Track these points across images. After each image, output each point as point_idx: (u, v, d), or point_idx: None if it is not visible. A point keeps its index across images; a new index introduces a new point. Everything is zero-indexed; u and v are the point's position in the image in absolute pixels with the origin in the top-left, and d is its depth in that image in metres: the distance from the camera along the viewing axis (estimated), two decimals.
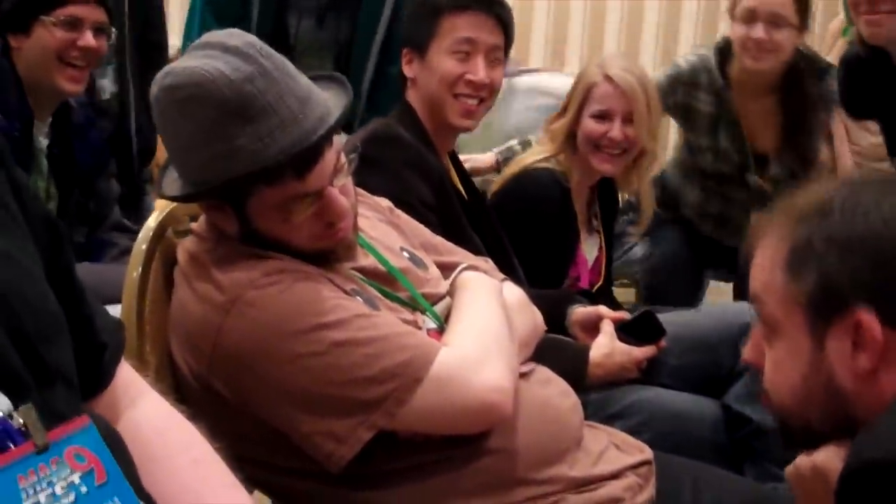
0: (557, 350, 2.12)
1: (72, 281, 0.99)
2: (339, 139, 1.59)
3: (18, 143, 2.24)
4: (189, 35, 3.09)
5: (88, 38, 2.32)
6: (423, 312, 1.68)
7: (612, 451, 1.71)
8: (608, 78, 2.60)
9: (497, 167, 3.22)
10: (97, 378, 0.99)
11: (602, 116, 2.60)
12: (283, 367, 1.48)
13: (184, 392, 1.58)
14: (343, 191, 1.57)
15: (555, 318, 2.28)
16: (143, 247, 1.65)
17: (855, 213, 1.13)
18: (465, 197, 2.41)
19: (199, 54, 1.49)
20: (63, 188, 2.42)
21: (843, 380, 1.12)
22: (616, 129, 2.59)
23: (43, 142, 2.37)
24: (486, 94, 2.30)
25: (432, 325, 1.67)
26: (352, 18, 3.12)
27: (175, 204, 1.68)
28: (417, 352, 1.51)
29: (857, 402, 1.13)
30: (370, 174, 2.14)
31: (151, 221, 1.69)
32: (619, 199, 2.99)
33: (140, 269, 1.63)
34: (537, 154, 2.70)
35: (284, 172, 1.49)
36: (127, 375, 1.05)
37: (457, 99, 2.28)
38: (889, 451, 0.95)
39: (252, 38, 1.51)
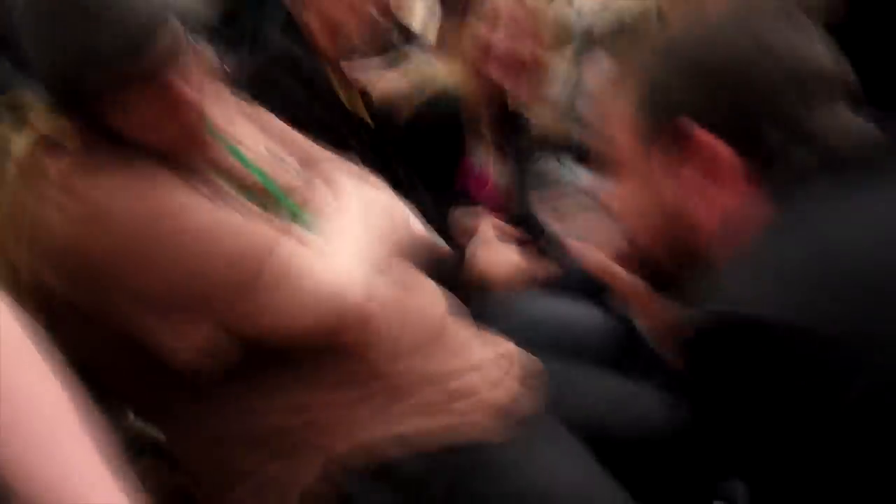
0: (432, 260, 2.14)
1: None
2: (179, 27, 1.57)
3: None
4: None
5: None
6: (283, 210, 1.69)
7: (472, 343, 1.74)
8: None
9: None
10: None
11: (491, 24, 2.60)
12: (138, 273, 1.49)
13: (42, 307, 1.57)
14: (197, 88, 1.57)
15: (440, 218, 2.29)
16: (14, 150, 1.63)
17: (688, 24, 1.13)
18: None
19: None
20: None
21: (679, 199, 1.11)
22: (517, 44, 2.59)
23: None
24: (388, 19, 2.34)
25: (290, 220, 1.68)
26: None
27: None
28: (273, 251, 1.52)
29: (691, 216, 1.11)
30: (262, 93, 2.14)
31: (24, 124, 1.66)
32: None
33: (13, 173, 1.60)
34: (437, 71, 2.71)
35: (133, 71, 1.48)
36: None
37: (359, 21, 2.30)
38: (734, 304, 0.96)
39: None
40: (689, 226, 1.13)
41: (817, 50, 1.11)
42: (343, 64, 2.40)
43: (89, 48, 1.47)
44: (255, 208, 1.66)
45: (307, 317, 1.55)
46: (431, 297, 1.75)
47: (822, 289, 0.94)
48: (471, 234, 2.34)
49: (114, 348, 1.56)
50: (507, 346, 1.78)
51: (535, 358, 1.84)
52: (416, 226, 1.89)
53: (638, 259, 1.27)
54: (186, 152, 1.61)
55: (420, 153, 2.55)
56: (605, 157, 1.22)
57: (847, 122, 1.09)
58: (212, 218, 1.52)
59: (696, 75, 1.09)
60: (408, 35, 3.61)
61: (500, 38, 2.60)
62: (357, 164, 1.92)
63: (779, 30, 1.10)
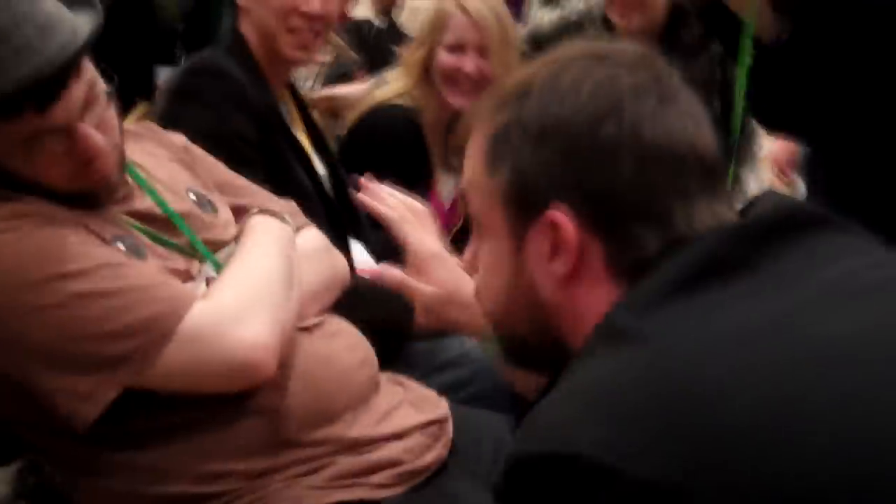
0: (380, 298, 2.02)
1: None
2: (93, 69, 1.46)
3: None
4: None
5: None
6: (201, 260, 1.57)
7: (403, 409, 1.62)
8: (462, 9, 2.49)
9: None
10: None
11: (455, 48, 2.49)
12: (20, 319, 1.37)
13: None
14: (101, 125, 1.45)
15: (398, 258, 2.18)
16: None
17: (552, 96, 0.99)
18: (303, 133, 2.30)
19: None
20: None
21: (543, 289, 1.00)
22: (469, 62, 2.48)
23: None
24: (321, 26, 2.16)
25: (212, 273, 1.57)
26: None
27: None
28: (168, 305, 1.40)
29: (558, 315, 1.01)
30: (185, 106, 2.04)
31: None
32: None
33: None
34: (391, 89, 2.59)
35: (22, 106, 1.36)
36: None
37: (290, 32, 2.14)
38: (545, 442, 0.85)
39: None
40: (548, 314, 1.03)
41: (689, 131, 0.99)
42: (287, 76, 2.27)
43: None
44: (166, 252, 1.54)
45: (216, 382, 1.44)
46: (360, 356, 1.62)
47: (646, 418, 0.81)
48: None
49: (14, 398, 1.44)
50: (440, 409, 1.66)
51: (476, 413, 1.73)
52: (364, 265, 1.78)
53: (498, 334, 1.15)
54: (93, 194, 1.49)
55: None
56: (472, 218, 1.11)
57: (719, 215, 0.98)
58: (117, 277, 1.40)
59: (566, 162, 0.98)
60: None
61: (468, 64, 2.47)
62: (292, 201, 1.80)
63: (649, 107, 0.98)
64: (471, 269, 1.17)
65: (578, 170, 0.97)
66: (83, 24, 1.43)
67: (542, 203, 0.98)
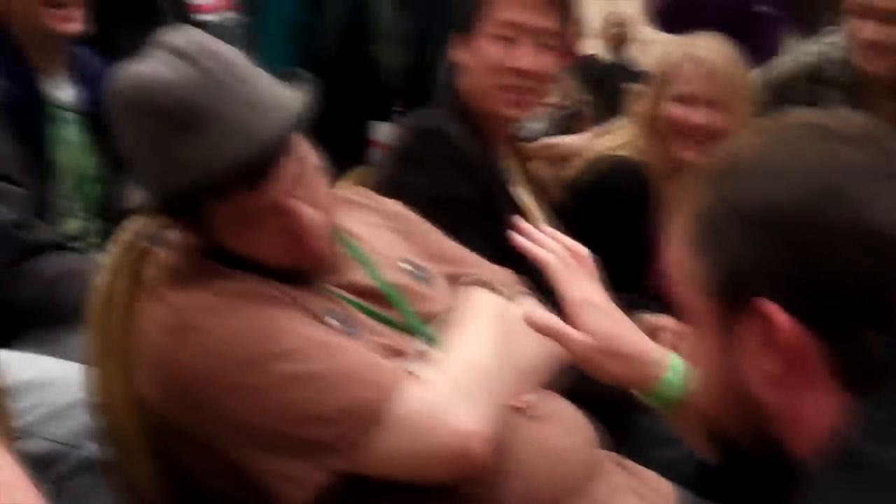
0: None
1: None
2: (303, 144, 1.43)
3: (23, 97, 2.16)
4: None
5: None
6: (415, 335, 1.51)
7: (625, 498, 1.51)
8: (692, 58, 2.36)
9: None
10: None
11: (684, 100, 2.37)
12: (231, 399, 1.34)
13: (146, 417, 1.47)
14: (313, 201, 1.42)
15: None
16: (114, 253, 1.53)
17: (763, 176, 0.88)
18: (527, 191, 2.23)
19: (149, 55, 1.38)
20: (99, 138, 2.32)
21: (755, 386, 0.90)
22: (699, 115, 2.36)
23: (65, 99, 2.28)
24: (537, 83, 2.09)
25: (425, 348, 1.50)
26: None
27: None
28: (379, 389, 1.35)
29: (775, 416, 0.91)
30: (409, 171, 2.01)
31: (128, 224, 1.57)
32: None
33: (108, 277, 1.51)
34: (616, 139, 2.49)
35: (234, 185, 1.35)
36: None
37: (504, 89, 2.08)
38: None
39: (201, 38, 1.38)
40: (763, 414, 0.93)
41: None
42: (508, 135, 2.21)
43: (203, 164, 1.34)
44: (379, 327, 1.49)
45: (427, 471, 1.37)
46: (578, 439, 1.52)
47: None
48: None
49: (215, 475, 1.42)
50: (666, 495, 1.54)
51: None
52: None
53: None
54: (306, 270, 1.45)
55: (598, 238, 2.34)
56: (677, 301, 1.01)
57: None
58: (328, 358, 1.35)
59: (781, 251, 0.87)
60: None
61: (698, 116, 2.35)
62: (511, 272, 1.72)
63: (876, 188, 0.86)
64: (686, 346, 1.07)
65: (794, 260, 0.86)
66: (294, 100, 1.41)
67: (753, 294, 0.88)
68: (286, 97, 1.41)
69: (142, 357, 1.44)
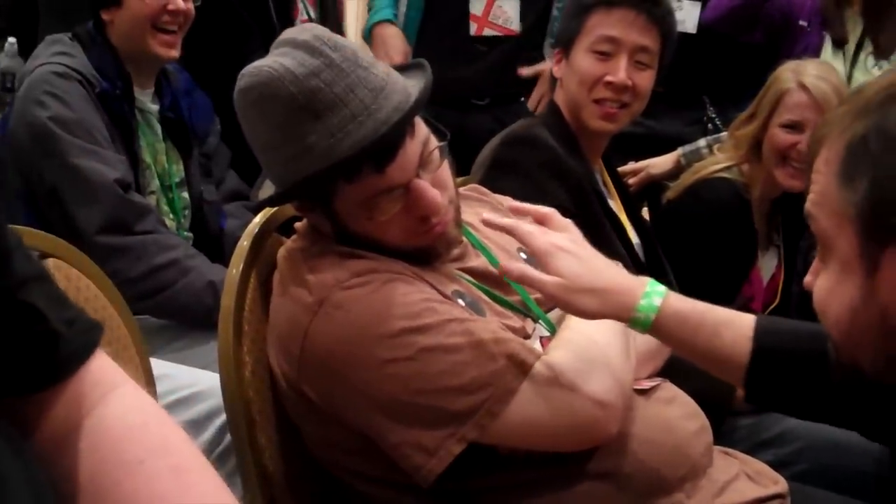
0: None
1: (3, 268, 0.86)
2: (426, 127, 1.49)
3: (120, 101, 2.27)
4: None
5: (178, 2, 2.32)
6: (535, 319, 1.56)
7: (741, 481, 1.54)
8: (802, 86, 2.39)
9: (678, 169, 2.99)
10: (48, 369, 0.89)
11: (793, 127, 2.40)
12: (369, 372, 1.39)
13: (279, 395, 1.53)
14: (436, 182, 1.47)
15: None
16: (245, 244, 1.60)
17: None
18: (618, 202, 2.28)
19: (273, 52, 1.45)
20: (183, 149, 2.44)
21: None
22: (807, 142, 2.38)
23: (152, 106, 2.39)
24: (629, 98, 2.13)
25: (545, 332, 1.55)
26: None
27: None
28: (513, 360, 1.39)
29: None
30: (503, 177, 2.05)
31: (257, 218, 1.64)
32: None
33: (241, 266, 1.58)
34: (718, 162, 2.52)
35: (362, 167, 1.41)
36: (99, 369, 0.93)
37: (597, 103, 2.13)
38: None
39: (322, 31, 1.45)
40: None
41: None
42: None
43: (333, 148, 1.40)
44: (502, 310, 1.54)
45: (557, 440, 1.42)
46: (697, 424, 1.56)
47: None
48: None
49: (360, 451, 1.47)
50: (779, 484, 1.57)
51: (811, 492, 1.64)
52: None
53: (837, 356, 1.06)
54: (431, 251, 1.51)
55: (693, 257, 2.38)
56: (817, 238, 1.03)
57: None
58: (463, 332, 1.40)
59: None
60: None
61: (804, 145, 2.37)
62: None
63: None
64: (811, 284, 1.08)
65: None
66: (413, 85, 1.47)
67: None
68: (406, 83, 1.47)
69: (277, 334, 1.49)
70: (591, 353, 1.43)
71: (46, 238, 1.54)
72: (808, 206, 1.03)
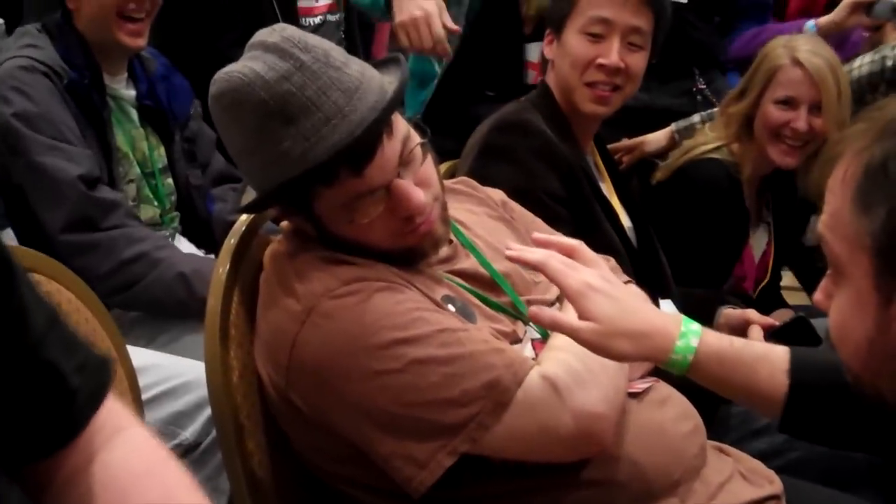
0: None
1: (24, 326, 0.85)
2: (405, 125, 1.46)
3: (88, 90, 2.22)
4: None
5: None
6: (525, 322, 1.53)
7: (735, 482, 1.53)
8: (796, 61, 2.35)
9: (672, 145, 2.79)
10: (66, 428, 0.88)
11: (786, 103, 2.36)
12: (358, 383, 1.37)
13: (267, 400, 1.50)
14: (419, 180, 1.44)
15: (701, 319, 2.09)
16: (232, 242, 1.57)
17: None
18: (609, 185, 2.24)
19: (244, 56, 1.41)
20: (164, 136, 2.40)
21: None
22: (801, 119, 2.35)
23: (125, 92, 2.34)
24: (622, 80, 2.08)
25: (536, 335, 1.53)
26: None
27: None
28: (505, 372, 1.37)
29: None
30: (494, 163, 2.02)
31: (244, 216, 1.60)
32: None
33: (227, 266, 1.54)
34: (708, 142, 2.48)
35: (339, 171, 1.38)
36: (107, 411, 0.93)
37: (589, 86, 2.09)
38: None
39: (292, 32, 1.41)
40: None
41: None
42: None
43: (308, 153, 1.37)
44: (493, 313, 1.51)
45: (551, 451, 1.40)
46: (690, 425, 1.54)
47: None
48: (738, 334, 2.11)
49: (351, 459, 1.44)
50: (774, 484, 1.56)
51: (804, 488, 1.62)
52: None
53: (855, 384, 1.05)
54: (418, 251, 1.48)
55: (685, 236, 2.36)
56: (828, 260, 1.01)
57: None
58: (455, 343, 1.37)
59: None
60: None
61: (799, 121, 2.35)
62: (610, 258, 1.74)
63: None
64: (821, 303, 1.06)
65: None
66: (389, 82, 1.43)
67: None
68: (382, 80, 1.43)
69: (264, 341, 1.47)
70: (586, 362, 1.41)
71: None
72: (820, 227, 1.01)
